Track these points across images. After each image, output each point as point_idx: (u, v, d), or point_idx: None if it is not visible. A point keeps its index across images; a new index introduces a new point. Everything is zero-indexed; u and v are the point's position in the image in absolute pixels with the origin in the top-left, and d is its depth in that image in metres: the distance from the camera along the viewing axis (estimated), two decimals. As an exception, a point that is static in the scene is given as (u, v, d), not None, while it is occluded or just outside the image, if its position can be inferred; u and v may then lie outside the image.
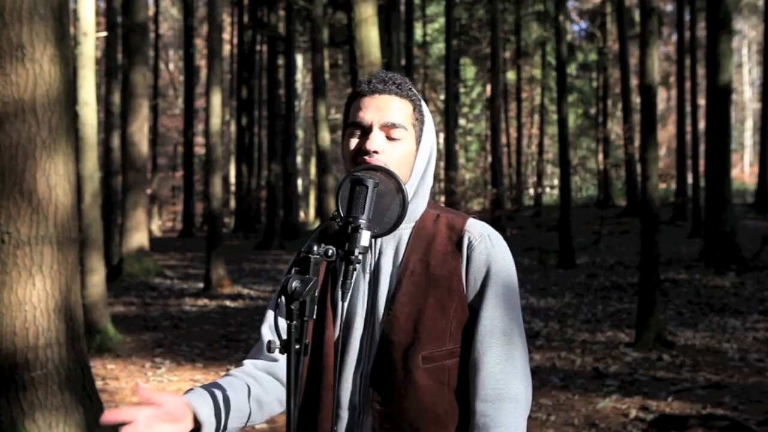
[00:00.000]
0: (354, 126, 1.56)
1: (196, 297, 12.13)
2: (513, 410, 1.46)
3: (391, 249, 1.57)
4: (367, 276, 1.56)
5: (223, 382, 1.54)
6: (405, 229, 1.58)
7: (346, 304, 1.55)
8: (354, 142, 1.56)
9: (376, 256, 1.57)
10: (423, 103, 1.62)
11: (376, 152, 1.52)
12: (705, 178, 13.23)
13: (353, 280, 1.53)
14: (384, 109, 1.55)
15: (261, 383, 1.59)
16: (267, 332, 1.63)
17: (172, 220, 44.05)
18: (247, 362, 1.63)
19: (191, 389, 1.48)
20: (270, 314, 1.65)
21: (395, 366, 1.50)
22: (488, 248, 1.54)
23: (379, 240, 1.57)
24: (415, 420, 1.49)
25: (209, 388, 1.50)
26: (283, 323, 1.52)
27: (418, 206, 1.59)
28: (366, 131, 1.55)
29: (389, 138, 1.54)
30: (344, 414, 1.53)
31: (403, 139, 1.55)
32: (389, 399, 1.50)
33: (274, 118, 22.97)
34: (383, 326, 1.52)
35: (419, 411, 1.49)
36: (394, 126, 1.54)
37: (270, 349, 1.37)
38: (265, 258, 19.04)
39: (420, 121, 1.59)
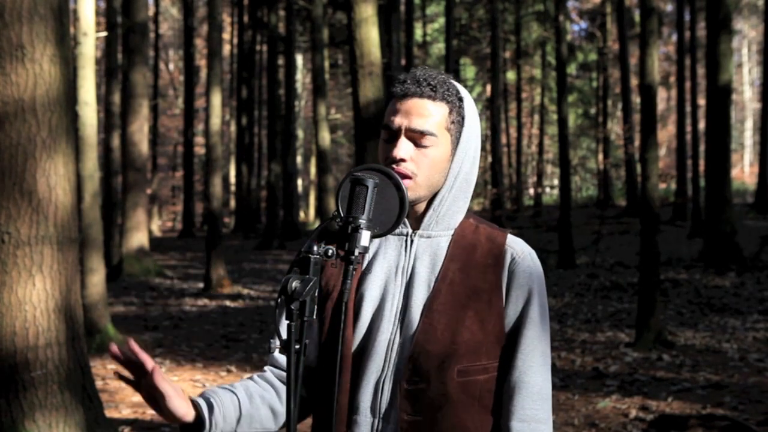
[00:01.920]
0: (385, 129, 1.51)
1: (196, 297, 12.13)
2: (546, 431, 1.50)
3: (428, 255, 1.52)
4: (399, 279, 1.51)
5: (240, 386, 1.52)
6: (443, 236, 1.53)
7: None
8: (385, 147, 1.51)
9: (412, 259, 1.52)
10: (465, 103, 1.53)
11: (402, 160, 1.47)
12: (705, 178, 13.23)
13: (386, 281, 1.51)
14: (414, 114, 1.48)
15: (277, 391, 1.55)
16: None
17: (172, 220, 44.04)
18: (267, 368, 1.60)
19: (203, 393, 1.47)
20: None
21: (430, 377, 1.45)
22: (531, 267, 1.51)
23: (415, 243, 1.52)
24: None
25: (221, 391, 1.48)
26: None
27: (456, 213, 1.54)
28: (394, 136, 1.49)
29: (418, 144, 1.48)
30: (362, 420, 1.48)
31: (433, 145, 1.48)
32: (420, 410, 1.46)
33: (274, 118, 22.97)
34: (418, 334, 1.46)
35: (451, 425, 1.46)
36: (421, 134, 1.47)
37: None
38: (265, 258, 19.04)
39: (458, 123, 1.51)
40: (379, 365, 1.48)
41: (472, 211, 1.60)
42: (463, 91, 1.54)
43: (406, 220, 1.53)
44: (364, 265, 1.54)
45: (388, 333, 1.49)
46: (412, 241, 1.53)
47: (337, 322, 1.51)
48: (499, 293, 1.49)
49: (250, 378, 1.57)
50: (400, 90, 1.50)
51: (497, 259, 1.51)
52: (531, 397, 1.48)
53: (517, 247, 1.53)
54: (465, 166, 1.54)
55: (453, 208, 1.54)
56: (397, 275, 1.51)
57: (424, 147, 1.48)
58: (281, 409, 1.54)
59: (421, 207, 1.53)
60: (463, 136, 1.53)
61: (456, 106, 1.51)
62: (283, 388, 1.55)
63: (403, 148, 1.47)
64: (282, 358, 1.57)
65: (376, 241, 1.54)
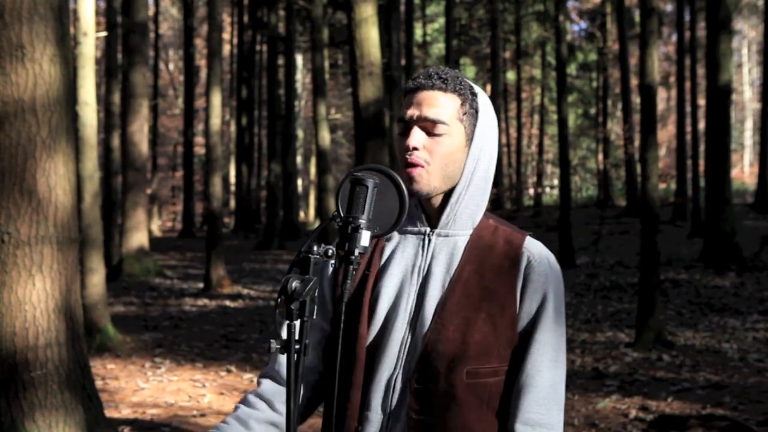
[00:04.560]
0: (399, 122, 1.52)
1: (196, 297, 12.13)
2: None
3: (444, 254, 1.52)
4: (415, 278, 1.52)
5: (232, 419, 1.54)
6: (461, 236, 1.53)
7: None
8: (400, 140, 1.52)
9: (428, 259, 1.52)
10: (480, 98, 1.54)
11: (415, 149, 1.48)
12: (705, 178, 13.23)
13: (402, 279, 1.52)
14: (425, 104, 1.49)
15: (269, 402, 1.56)
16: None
17: (172, 220, 44.03)
18: (251, 397, 1.59)
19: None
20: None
21: (438, 377, 1.46)
22: (547, 272, 1.50)
23: (432, 242, 1.53)
24: None
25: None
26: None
27: (474, 212, 1.54)
28: (408, 128, 1.51)
29: (431, 134, 1.49)
30: (373, 416, 1.49)
31: (446, 134, 1.49)
32: (428, 410, 1.46)
33: (274, 118, 22.96)
34: (429, 333, 1.47)
35: (458, 426, 1.46)
36: (433, 122, 1.48)
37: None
38: (265, 258, 19.04)
39: (471, 115, 1.52)
40: (392, 363, 1.49)
41: (491, 212, 1.59)
42: (477, 88, 1.55)
43: (423, 217, 1.54)
44: (382, 262, 1.55)
45: (401, 332, 1.49)
46: (429, 240, 1.53)
47: (349, 321, 1.52)
48: (513, 296, 1.49)
49: (241, 401, 1.58)
50: (412, 84, 1.52)
51: (513, 262, 1.50)
52: (537, 401, 1.46)
53: (534, 250, 1.52)
54: (482, 163, 1.53)
55: (471, 206, 1.53)
56: (413, 274, 1.52)
57: (437, 135, 1.49)
58: (278, 418, 1.55)
59: (437, 202, 1.53)
60: (477, 129, 1.53)
61: (468, 98, 1.52)
62: (277, 394, 1.56)
63: (416, 137, 1.49)
64: (280, 367, 1.58)
65: (395, 239, 1.56)
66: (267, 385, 1.58)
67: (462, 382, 1.45)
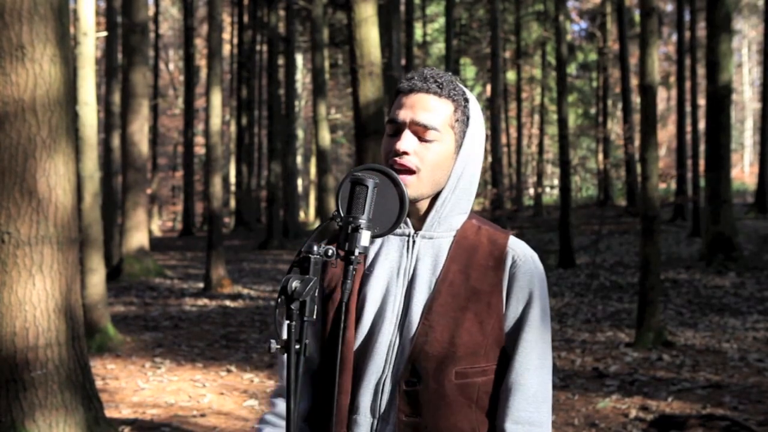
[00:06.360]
0: (390, 123, 1.51)
1: (196, 297, 12.13)
2: None
3: (429, 256, 1.52)
4: (401, 280, 1.51)
5: None
6: (445, 238, 1.53)
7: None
8: (389, 141, 1.51)
9: (413, 261, 1.52)
10: (471, 104, 1.54)
11: (405, 153, 1.47)
12: (705, 178, 13.23)
13: (387, 282, 1.51)
14: (419, 108, 1.49)
15: None
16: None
17: (172, 220, 44.02)
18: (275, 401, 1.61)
19: None
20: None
21: (428, 378, 1.46)
22: (532, 270, 1.51)
23: (417, 244, 1.52)
24: None
25: None
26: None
27: (459, 214, 1.54)
28: (399, 130, 1.50)
29: (422, 139, 1.49)
30: (361, 420, 1.49)
31: (437, 140, 1.49)
32: (418, 411, 1.46)
33: (274, 118, 22.96)
34: (417, 335, 1.47)
35: (447, 427, 1.46)
36: (425, 128, 1.48)
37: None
38: (265, 258, 19.04)
39: (462, 122, 1.52)
40: (380, 366, 1.48)
41: (474, 212, 1.59)
42: (469, 94, 1.55)
43: (408, 220, 1.53)
44: (366, 265, 1.54)
45: (389, 334, 1.49)
46: (414, 242, 1.53)
47: (338, 323, 1.51)
48: (499, 295, 1.49)
49: (260, 422, 1.60)
50: (407, 85, 1.51)
51: (498, 261, 1.51)
52: (526, 399, 1.47)
53: (518, 250, 1.52)
54: (468, 167, 1.54)
55: (456, 209, 1.54)
56: (398, 277, 1.51)
57: (428, 141, 1.49)
58: None
59: (423, 206, 1.53)
60: (467, 136, 1.53)
61: (461, 105, 1.52)
62: None
63: (407, 141, 1.48)
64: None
65: (378, 241, 1.55)
66: (281, 405, 1.60)
67: (451, 382, 1.46)
